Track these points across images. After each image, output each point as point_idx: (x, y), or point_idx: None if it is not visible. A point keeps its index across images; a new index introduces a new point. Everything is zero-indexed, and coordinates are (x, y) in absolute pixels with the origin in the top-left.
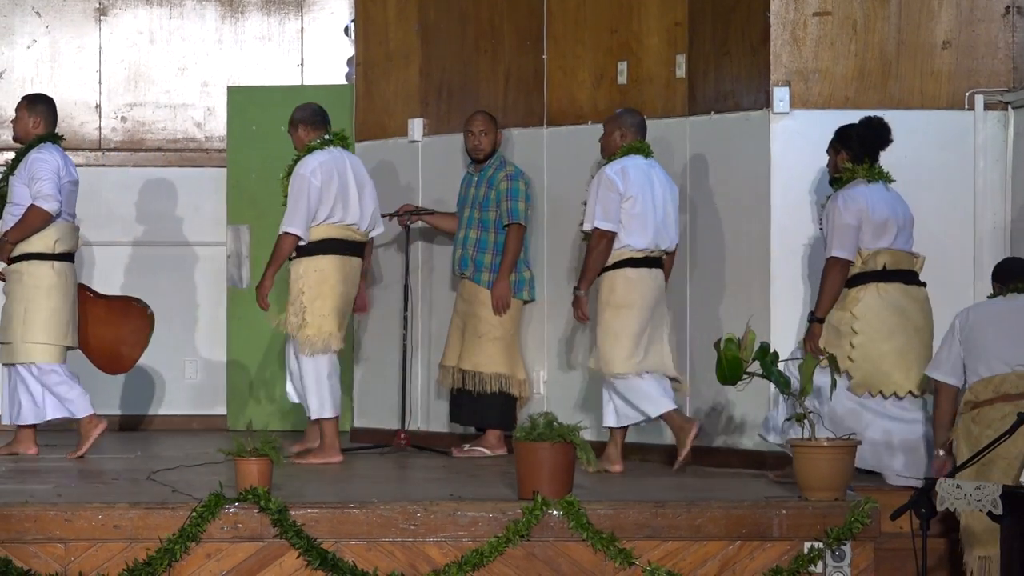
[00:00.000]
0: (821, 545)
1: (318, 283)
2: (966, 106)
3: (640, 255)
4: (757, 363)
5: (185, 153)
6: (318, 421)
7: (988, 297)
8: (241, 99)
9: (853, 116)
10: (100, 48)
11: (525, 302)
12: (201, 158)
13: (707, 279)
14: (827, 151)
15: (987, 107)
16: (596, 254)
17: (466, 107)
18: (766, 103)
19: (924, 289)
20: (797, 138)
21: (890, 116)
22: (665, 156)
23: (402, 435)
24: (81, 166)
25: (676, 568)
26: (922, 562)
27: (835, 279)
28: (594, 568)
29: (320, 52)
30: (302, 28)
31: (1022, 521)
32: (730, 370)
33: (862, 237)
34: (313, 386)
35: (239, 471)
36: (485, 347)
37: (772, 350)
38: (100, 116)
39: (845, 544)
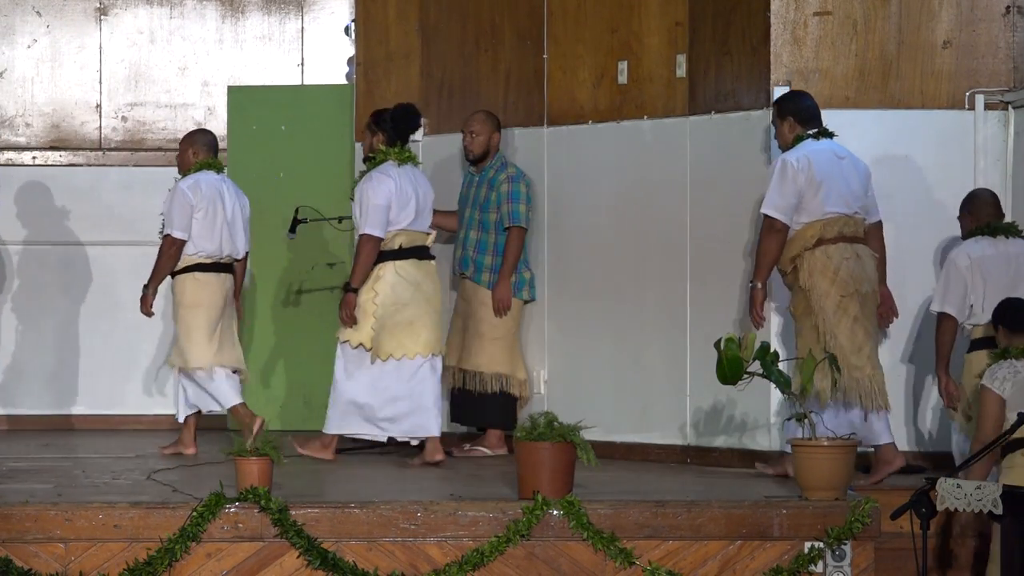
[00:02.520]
0: (821, 545)
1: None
2: (966, 106)
3: (208, 261)
4: (757, 363)
5: None
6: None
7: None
8: (241, 99)
9: (854, 116)
10: (101, 48)
11: (525, 302)
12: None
13: (707, 279)
14: (365, 132)
15: (987, 107)
16: (166, 259)
17: (467, 107)
18: (766, 103)
19: (433, 263)
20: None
21: (891, 116)
22: (665, 156)
23: None
24: (81, 166)
25: (676, 568)
26: (922, 562)
27: (369, 254)
28: (594, 568)
29: (320, 52)
30: (302, 28)
31: (1022, 521)
32: (730, 370)
33: (391, 216)
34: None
35: (239, 471)
36: (486, 347)
37: (772, 350)
38: (100, 116)
39: (845, 544)
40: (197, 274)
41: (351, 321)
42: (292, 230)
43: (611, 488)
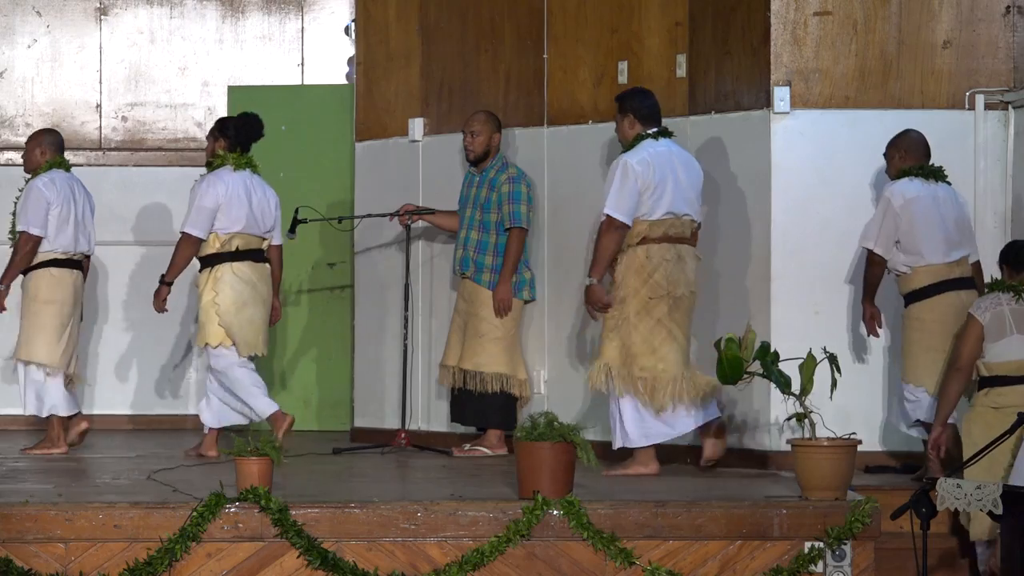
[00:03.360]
0: (822, 545)
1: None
2: (966, 106)
3: (63, 256)
4: (757, 363)
5: (185, 153)
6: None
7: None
8: (242, 99)
9: (854, 116)
10: (101, 48)
11: (526, 302)
12: (202, 158)
13: (707, 279)
14: (208, 137)
15: (987, 107)
16: (22, 256)
17: (467, 107)
18: (767, 103)
19: (267, 266)
20: (798, 138)
21: (891, 116)
22: None
23: (402, 435)
24: (82, 166)
25: (676, 568)
26: (922, 562)
27: (184, 252)
28: (594, 568)
29: (321, 52)
30: (303, 28)
31: (1022, 521)
32: (731, 370)
33: (219, 219)
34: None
35: (239, 471)
36: (486, 347)
37: (772, 350)
38: (101, 116)
39: (846, 544)
40: (52, 270)
41: (161, 309)
42: (292, 230)
43: (611, 488)
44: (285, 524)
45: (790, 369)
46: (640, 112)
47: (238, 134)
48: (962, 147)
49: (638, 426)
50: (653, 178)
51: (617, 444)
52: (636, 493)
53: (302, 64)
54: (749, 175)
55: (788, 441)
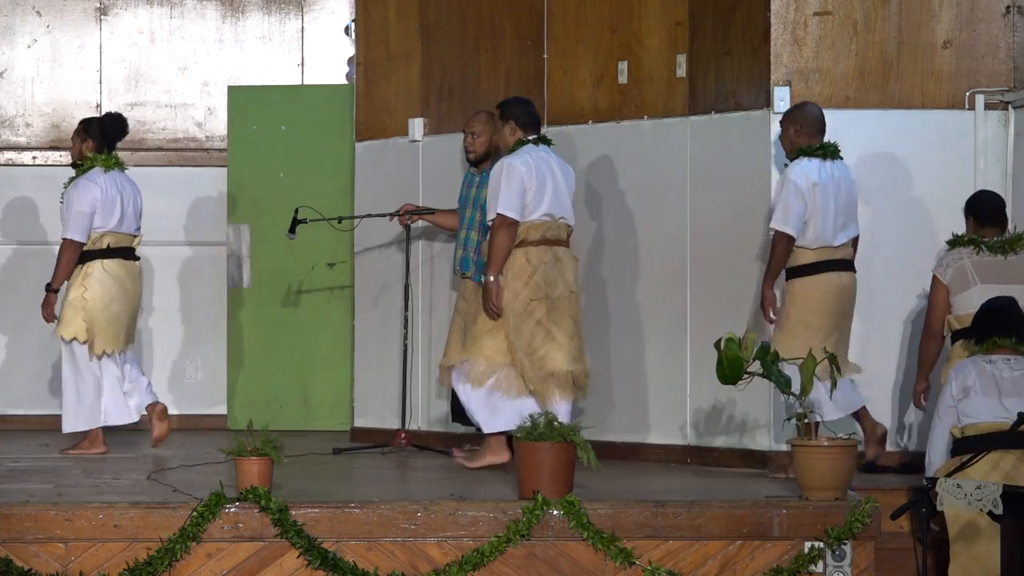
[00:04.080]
0: (822, 545)
1: None
2: (966, 106)
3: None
4: (757, 363)
5: (185, 153)
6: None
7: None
8: (242, 99)
9: (854, 116)
10: (101, 48)
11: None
12: (201, 158)
13: (707, 279)
14: (74, 137)
15: (987, 107)
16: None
17: (467, 107)
18: (767, 103)
19: (138, 264)
20: None
21: (891, 116)
22: (666, 156)
23: (402, 435)
24: None
25: (676, 568)
26: (922, 562)
27: (70, 258)
28: (595, 568)
29: (321, 52)
30: (303, 28)
31: (1022, 521)
32: (730, 370)
33: (96, 219)
34: None
35: (240, 471)
36: (486, 341)
37: (772, 350)
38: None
39: (846, 544)
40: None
41: (51, 319)
42: (292, 230)
43: (611, 488)
44: (285, 524)
45: (790, 369)
46: (521, 119)
47: (104, 134)
48: (962, 147)
49: (493, 413)
50: (534, 179)
51: (487, 430)
52: (636, 493)
53: (302, 64)
54: (749, 175)
55: (788, 441)
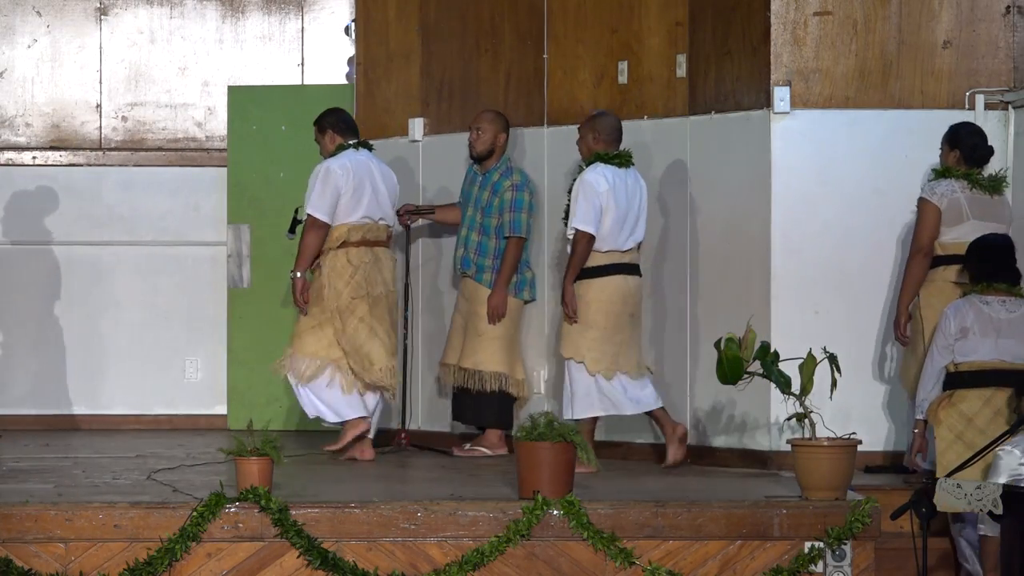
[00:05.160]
0: (822, 545)
1: None
2: (966, 106)
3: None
4: (757, 363)
5: (185, 153)
6: None
7: None
8: (242, 99)
9: (854, 116)
10: (101, 48)
11: (526, 302)
12: (202, 158)
13: (707, 279)
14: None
15: (987, 107)
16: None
17: (467, 107)
18: (767, 103)
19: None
20: (798, 138)
21: (891, 116)
22: (666, 156)
23: (403, 435)
24: (81, 166)
25: (676, 568)
26: (922, 562)
27: None
28: (594, 568)
29: (321, 52)
30: (303, 28)
31: (1022, 521)
32: (731, 370)
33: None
34: None
35: (240, 471)
36: (485, 345)
37: (772, 350)
38: (101, 116)
39: (846, 544)
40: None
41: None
42: (292, 230)
43: (611, 488)
44: (285, 524)
45: (790, 369)
46: (338, 127)
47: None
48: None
49: (344, 405)
50: (352, 182)
51: (332, 420)
52: (636, 493)
53: (302, 64)
54: (749, 175)
55: (788, 441)
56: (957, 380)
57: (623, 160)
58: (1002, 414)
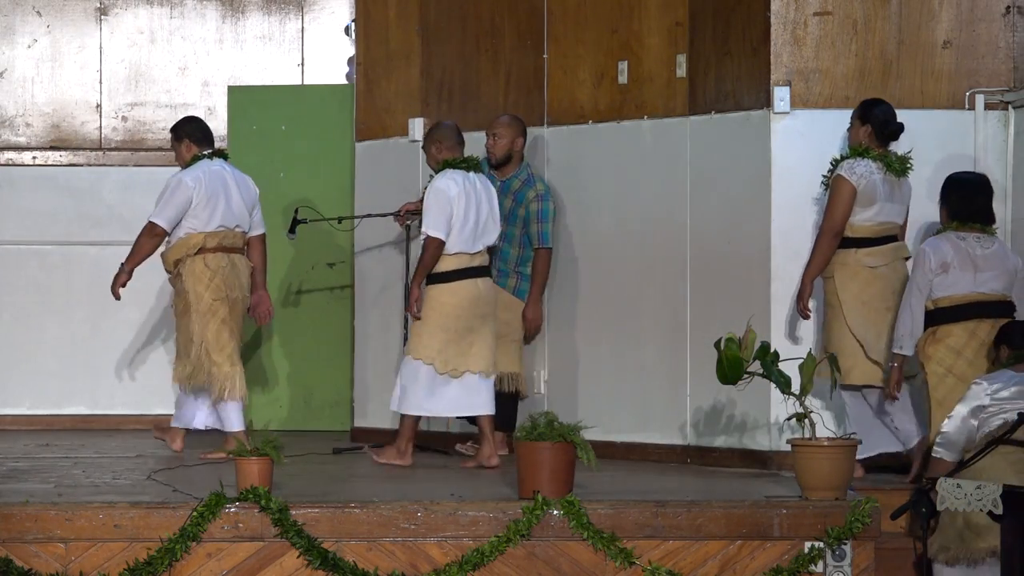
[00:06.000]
0: (822, 545)
1: None
2: (966, 106)
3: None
4: (757, 363)
5: None
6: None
7: None
8: (242, 99)
9: None
10: (101, 48)
11: None
12: None
13: (707, 279)
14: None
15: (987, 107)
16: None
17: (467, 107)
18: (767, 103)
19: None
20: (798, 138)
21: None
22: (666, 156)
23: None
24: (82, 166)
25: (676, 568)
26: (922, 562)
27: None
28: (595, 568)
29: (321, 52)
30: (303, 28)
31: (1022, 521)
32: (730, 370)
33: None
34: None
35: (240, 471)
36: (504, 348)
37: (772, 350)
38: (101, 116)
39: (846, 544)
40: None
41: None
42: (292, 230)
43: (611, 488)
44: (285, 524)
45: (790, 369)
46: (194, 136)
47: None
48: (962, 147)
49: (180, 409)
50: (204, 193)
51: (201, 425)
52: (636, 493)
53: (302, 64)
54: (749, 175)
55: (788, 441)
56: (939, 316)
57: (470, 164)
58: (986, 345)
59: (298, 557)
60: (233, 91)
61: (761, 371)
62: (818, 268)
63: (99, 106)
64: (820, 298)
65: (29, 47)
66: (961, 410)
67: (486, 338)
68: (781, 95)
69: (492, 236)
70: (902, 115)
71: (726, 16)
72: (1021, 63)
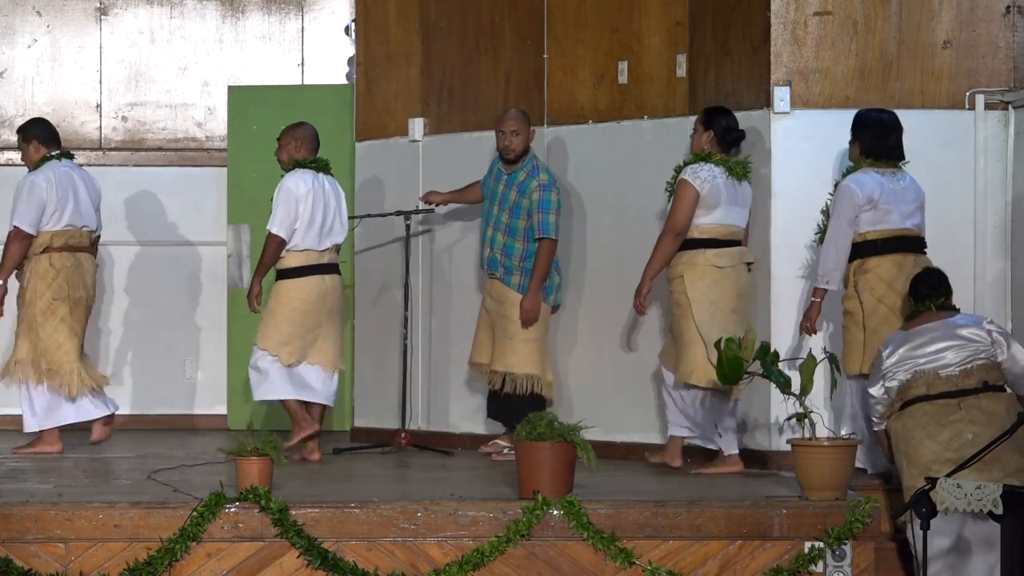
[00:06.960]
0: (822, 545)
1: None
2: (967, 106)
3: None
4: (757, 363)
5: (185, 153)
6: None
7: None
8: (242, 99)
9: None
10: (101, 48)
11: (552, 308)
12: (202, 158)
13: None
14: None
15: (988, 107)
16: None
17: (467, 107)
18: (767, 103)
19: None
20: (798, 138)
21: None
22: (666, 156)
23: (403, 435)
24: (81, 166)
25: (677, 568)
26: (922, 562)
27: None
28: (595, 568)
29: (321, 52)
30: (303, 28)
31: (1022, 521)
32: (731, 370)
33: None
34: None
35: (239, 471)
36: (517, 348)
37: (772, 350)
38: (101, 116)
39: (846, 544)
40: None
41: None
42: None
43: (611, 488)
44: (285, 524)
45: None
46: (43, 137)
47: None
48: (962, 147)
49: (49, 411)
50: (55, 193)
51: (29, 428)
52: (636, 493)
53: (302, 64)
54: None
55: (788, 441)
56: (868, 248)
57: (320, 166)
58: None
59: (298, 557)
60: (233, 91)
61: (761, 371)
62: (658, 266)
63: (99, 106)
64: (666, 300)
65: (29, 47)
66: (873, 382)
67: (332, 333)
68: (781, 95)
69: (339, 236)
70: (902, 115)
71: (726, 16)
72: (1021, 63)
